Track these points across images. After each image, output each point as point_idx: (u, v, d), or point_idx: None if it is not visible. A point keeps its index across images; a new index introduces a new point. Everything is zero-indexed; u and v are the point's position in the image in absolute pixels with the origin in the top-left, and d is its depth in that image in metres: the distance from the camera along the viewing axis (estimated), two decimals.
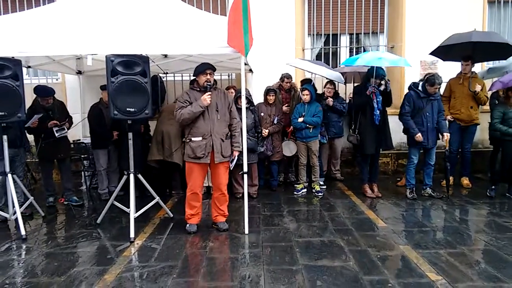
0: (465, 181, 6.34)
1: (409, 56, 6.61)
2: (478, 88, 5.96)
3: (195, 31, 4.29)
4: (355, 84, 6.67)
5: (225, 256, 3.80)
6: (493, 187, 5.69)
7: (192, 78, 4.41)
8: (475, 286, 3.12)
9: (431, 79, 5.37)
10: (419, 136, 5.40)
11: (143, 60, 4.16)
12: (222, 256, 3.79)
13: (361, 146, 5.67)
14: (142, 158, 5.60)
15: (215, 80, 4.38)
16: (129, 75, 4.09)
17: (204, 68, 4.21)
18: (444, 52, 6.09)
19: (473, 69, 6.15)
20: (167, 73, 6.80)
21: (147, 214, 4.81)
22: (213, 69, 4.26)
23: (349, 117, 6.65)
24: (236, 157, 4.49)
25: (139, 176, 4.54)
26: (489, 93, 6.21)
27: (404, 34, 7.10)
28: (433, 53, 6.15)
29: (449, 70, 6.35)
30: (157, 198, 4.74)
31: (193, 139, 4.20)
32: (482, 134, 6.20)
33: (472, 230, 4.42)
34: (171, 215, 4.91)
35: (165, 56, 5.80)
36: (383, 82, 5.46)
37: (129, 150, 4.40)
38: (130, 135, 4.41)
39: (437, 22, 6.99)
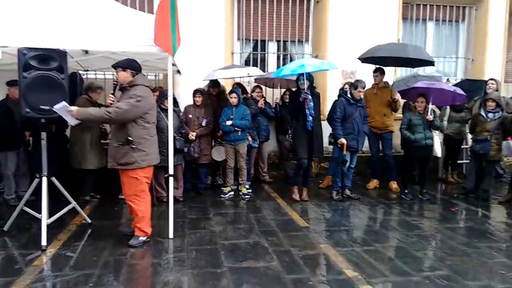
0: (394, 185, 6.56)
1: None
2: (398, 95, 6.45)
3: (119, 27, 4.09)
4: (293, 89, 6.61)
5: (147, 261, 3.67)
6: (406, 190, 6.11)
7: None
8: (388, 280, 3.37)
9: (354, 83, 5.88)
10: (341, 140, 5.70)
11: (60, 54, 3.88)
12: (144, 262, 3.66)
13: (294, 151, 5.79)
14: (58, 159, 5.20)
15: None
16: (44, 70, 3.81)
17: None
18: (375, 60, 6.44)
19: (385, 79, 6.65)
20: (87, 70, 6.43)
21: (62, 220, 4.47)
22: None
23: (276, 121, 6.84)
24: None
25: (53, 179, 4.21)
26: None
27: (327, 44, 7.46)
28: (364, 60, 6.39)
29: (367, 80, 6.75)
30: (74, 203, 4.42)
31: None
32: (395, 140, 6.70)
33: (385, 228, 4.76)
34: (89, 221, 4.61)
35: (86, 52, 5.46)
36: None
37: (42, 151, 4.07)
38: (44, 135, 4.09)
39: (357, 34, 7.45)
